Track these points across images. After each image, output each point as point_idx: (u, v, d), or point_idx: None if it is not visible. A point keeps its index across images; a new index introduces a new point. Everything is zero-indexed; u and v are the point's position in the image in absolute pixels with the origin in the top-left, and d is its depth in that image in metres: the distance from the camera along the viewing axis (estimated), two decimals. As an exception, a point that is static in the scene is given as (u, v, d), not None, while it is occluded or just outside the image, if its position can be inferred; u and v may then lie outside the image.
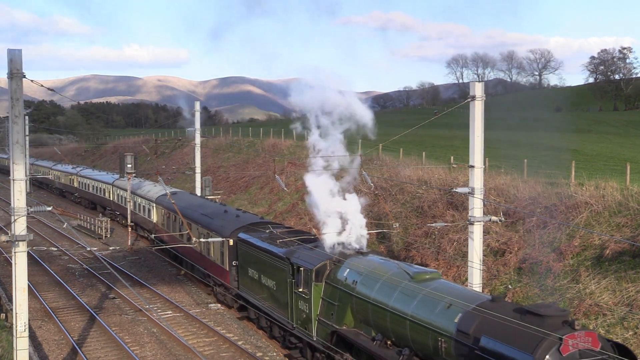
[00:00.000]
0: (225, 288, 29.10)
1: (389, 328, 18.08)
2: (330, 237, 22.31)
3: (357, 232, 22.50)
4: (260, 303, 25.30)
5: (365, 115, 23.31)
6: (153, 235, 41.50)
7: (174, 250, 36.68)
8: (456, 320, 15.73)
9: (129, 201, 45.60)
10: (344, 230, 22.44)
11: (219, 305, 30.01)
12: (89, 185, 61.64)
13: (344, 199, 23.16)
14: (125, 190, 47.21)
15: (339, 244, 22.17)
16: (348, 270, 20.33)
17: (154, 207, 42.16)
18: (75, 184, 66.05)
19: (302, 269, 21.58)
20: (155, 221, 42.07)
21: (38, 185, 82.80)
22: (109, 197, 55.07)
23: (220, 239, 28.12)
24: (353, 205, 22.98)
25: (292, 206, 43.73)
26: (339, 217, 22.62)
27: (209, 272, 30.73)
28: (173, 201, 33.09)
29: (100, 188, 57.91)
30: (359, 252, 21.52)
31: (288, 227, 29.00)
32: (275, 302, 23.97)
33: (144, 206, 44.87)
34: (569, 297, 22.79)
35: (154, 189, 44.38)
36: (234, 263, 27.78)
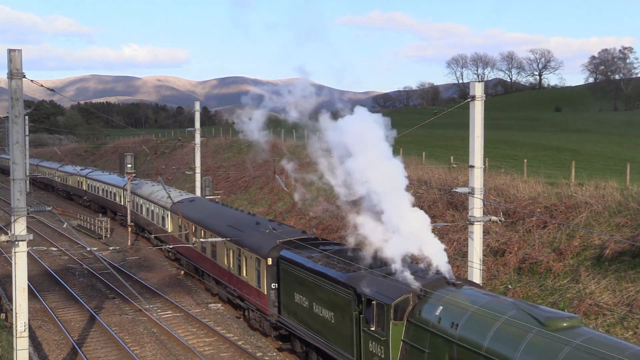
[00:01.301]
0: (261, 313, 25.21)
1: None
2: (401, 259, 18.15)
3: (434, 253, 18.19)
4: (310, 335, 21.34)
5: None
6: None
7: (194, 263, 33.53)
8: None
9: (129, 201, 45.48)
10: (407, 246, 18.15)
11: (220, 305, 30.00)
12: (98, 188, 58.08)
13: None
14: (141, 196, 44.91)
15: (420, 271, 17.90)
16: (441, 307, 15.97)
17: (169, 216, 38.37)
18: (84, 187, 62.93)
19: (374, 302, 17.39)
20: (170, 231, 37.95)
21: (43, 188, 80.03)
22: (121, 201, 50.97)
23: (255, 257, 24.98)
24: (420, 215, 18.54)
25: (292, 206, 43.72)
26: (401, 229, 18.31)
27: (241, 294, 26.97)
28: (180, 211, 31.05)
29: (110, 192, 54.07)
30: (450, 283, 17.14)
31: (340, 244, 24.49)
32: (333, 338, 19.92)
33: (157, 213, 41.07)
34: (569, 297, 22.80)
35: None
36: (273, 286, 24.05)
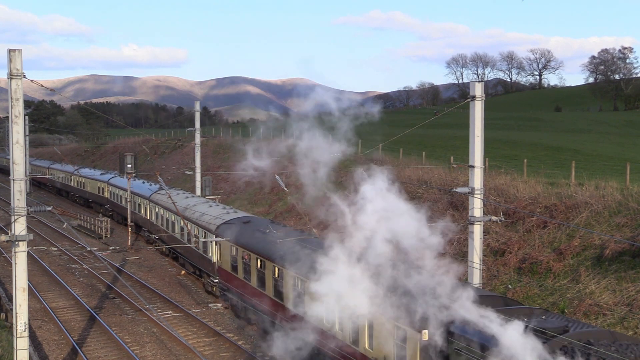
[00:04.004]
0: None
1: None
2: None
3: None
4: None
5: None
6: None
7: (258, 304, 25.20)
8: None
9: (129, 201, 45.38)
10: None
11: (220, 305, 29.94)
12: (121, 197, 50.80)
13: None
14: (170, 210, 37.09)
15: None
16: None
17: (214, 242, 29.52)
18: (106, 195, 55.67)
19: None
20: (217, 261, 29.46)
21: (56, 193, 74.86)
22: (145, 214, 43.78)
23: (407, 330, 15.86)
24: None
25: (292, 206, 43.70)
26: None
27: None
28: (235, 239, 24.87)
29: (135, 202, 46.17)
30: None
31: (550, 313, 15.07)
32: None
33: (195, 235, 32.72)
34: (569, 297, 22.80)
35: (210, 210, 32.58)
36: None
